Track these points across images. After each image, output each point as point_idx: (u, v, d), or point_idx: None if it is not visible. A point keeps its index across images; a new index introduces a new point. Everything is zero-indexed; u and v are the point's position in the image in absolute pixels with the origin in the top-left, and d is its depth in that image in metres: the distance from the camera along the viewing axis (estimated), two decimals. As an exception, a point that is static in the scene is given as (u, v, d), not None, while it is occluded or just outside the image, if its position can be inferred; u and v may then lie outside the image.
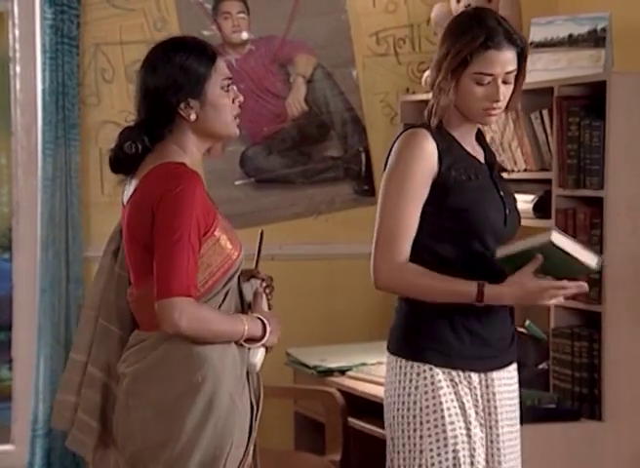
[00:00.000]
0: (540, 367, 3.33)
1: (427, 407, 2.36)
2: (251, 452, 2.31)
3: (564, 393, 3.20)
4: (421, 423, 2.36)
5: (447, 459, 2.34)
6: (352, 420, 3.51)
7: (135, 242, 2.25)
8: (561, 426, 3.05)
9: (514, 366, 2.50)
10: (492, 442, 2.41)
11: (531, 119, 3.41)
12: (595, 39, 3.39)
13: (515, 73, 2.39)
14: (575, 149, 3.19)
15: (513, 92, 2.41)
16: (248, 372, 2.30)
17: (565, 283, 2.30)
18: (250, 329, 2.26)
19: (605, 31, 3.37)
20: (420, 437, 2.36)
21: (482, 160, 2.47)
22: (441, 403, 2.35)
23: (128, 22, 4.02)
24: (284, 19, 4.14)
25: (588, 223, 3.16)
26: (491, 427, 2.41)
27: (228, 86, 2.28)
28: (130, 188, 2.28)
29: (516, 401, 2.49)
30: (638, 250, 3.11)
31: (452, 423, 2.35)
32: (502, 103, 2.38)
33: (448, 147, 2.37)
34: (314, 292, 4.19)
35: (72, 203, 3.95)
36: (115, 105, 4.02)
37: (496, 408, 2.41)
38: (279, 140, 4.17)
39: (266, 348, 2.31)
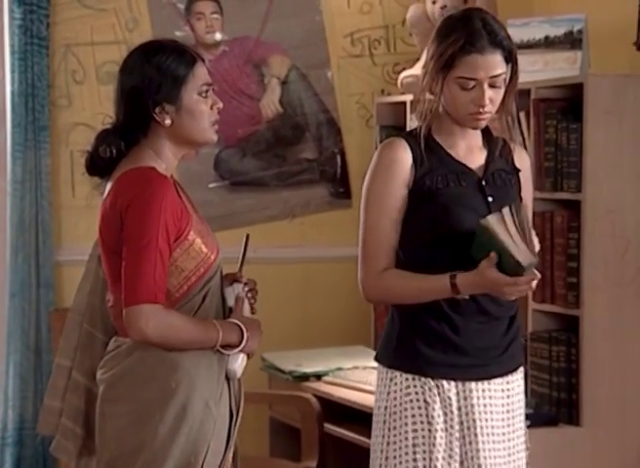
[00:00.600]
0: (518, 371, 3.30)
1: (395, 413, 2.36)
2: (230, 460, 2.29)
3: (542, 398, 3.19)
4: (389, 429, 2.37)
5: None
6: (329, 426, 3.49)
7: (107, 248, 2.23)
8: (539, 431, 3.03)
9: (511, 378, 2.41)
10: (472, 458, 2.35)
11: None
12: (571, 41, 3.39)
13: (505, 76, 2.34)
14: (552, 152, 3.18)
15: (506, 95, 2.35)
16: (228, 379, 2.26)
17: (516, 279, 2.24)
18: (224, 335, 2.22)
19: (581, 33, 3.37)
20: (387, 443, 2.37)
21: (476, 165, 2.40)
22: (406, 409, 2.34)
23: (99, 23, 4.00)
24: (258, 20, 4.12)
25: (566, 227, 3.14)
26: (470, 442, 2.34)
27: (207, 92, 2.25)
28: (105, 193, 2.27)
29: (511, 415, 2.41)
30: (616, 253, 3.10)
31: (415, 431, 2.33)
32: (491, 108, 2.34)
33: (426, 155, 2.35)
34: (289, 295, 4.17)
35: (42, 206, 3.92)
36: (86, 107, 3.99)
37: (474, 421, 2.34)
38: (253, 143, 4.15)
39: (247, 354, 2.28)
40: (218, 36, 4.09)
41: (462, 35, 2.29)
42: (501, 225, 2.21)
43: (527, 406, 2.96)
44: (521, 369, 2.45)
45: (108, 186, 2.25)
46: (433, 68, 2.31)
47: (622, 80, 3.11)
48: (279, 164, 4.17)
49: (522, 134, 3.30)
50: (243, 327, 2.25)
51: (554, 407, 3.15)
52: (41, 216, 3.90)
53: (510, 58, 2.33)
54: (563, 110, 3.18)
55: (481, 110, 2.31)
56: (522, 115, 3.33)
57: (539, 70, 3.42)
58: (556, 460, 3.08)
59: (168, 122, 2.22)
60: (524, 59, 3.46)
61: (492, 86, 2.31)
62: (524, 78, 3.35)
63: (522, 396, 2.45)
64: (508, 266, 2.21)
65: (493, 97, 2.32)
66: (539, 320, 3.24)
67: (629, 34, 3.43)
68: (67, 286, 3.92)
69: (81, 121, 3.97)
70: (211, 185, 4.10)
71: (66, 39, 3.97)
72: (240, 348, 2.24)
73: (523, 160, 2.48)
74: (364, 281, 2.37)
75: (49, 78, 3.92)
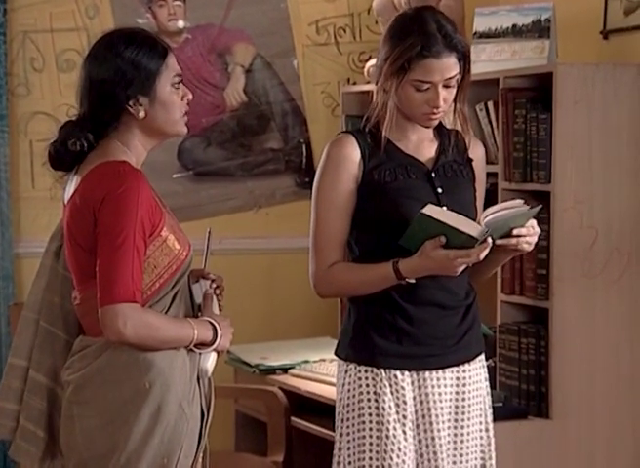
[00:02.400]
0: (487, 363, 3.28)
1: (348, 404, 2.40)
2: (200, 461, 2.26)
3: (511, 390, 3.17)
4: (342, 421, 2.41)
5: (358, 459, 2.37)
6: (295, 420, 3.46)
7: (76, 245, 2.17)
8: (509, 424, 3.02)
9: (467, 366, 2.44)
10: (427, 446, 2.39)
11: (476, 111, 3.37)
12: (539, 30, 3.36)
13: (458, 76, 2.37)
14: (521, 142, 3.16)
15: (458, 94, 2.40)
16: (198, 378, 2.23)
17: (468, 251, 2.27)
18: (199, 333, 2.19)
19: (549, 21, 3.35)
20: (340, 434, 2.41)
21: (426, 157, 2.43)
22: (360, 401, 2.38)
23: (58, 9, 3.94)
24: (221, 7, 4.08)
25: (536, 218, 3.10)
26: (425, 430, 2.39)
27: (178, 83, 2.22)
28: (71, 186, 2.20)
29: (466, 403, 2.44)
30: (586, 245, 3.09)
31: (363, 423, 2.37)
32: (444, 107, 2.38)
33: (375, 149, 2.38)
34: (254, 287, 4.15)
35: (1, 197, 3.86)
36: (46, 96, 3.94)
37: (429, 409, 2.38)
38: (218, 132, 4.11)
39: (217, 352, 2.25)
40: (180, 24, 4.05)
41: (418, 40, 2.32)
42: (441, 211, 2.27)
43: (496, 399, 2.98)
44: (481, 357, 2.48)
45: (75, 180, 2.19)
46: (388, 70, 2.35)
47: (592, 69, 3.09)
48: (244, 154, 4.14)
49: (490, 123, 3.33)
50: (217, 324, 2.21)
51: (523, 399, 3.13)
52: (0, 208, 3.83)
53: (464, 59, 2.37)
54: (532, 100, 3.15)
55: (435, 111, 2.36)
56: (490, 105, 3.32)
57: (506, 59, 3.40)
58: (526, 453, 3.07)
59: (142, 115, 2.18)
60: (492, 48, 3.47)
61: (445, 86, 2.36)
62: (492, 67, 3.40)
63: (482, 384, 2.48)
64: (457, 243, 2.26)
65: (446, 97, 2.37)
66: (507, 312, 3.22)
67: (596, 23, 3.43)
68: (27, 279, 3.85)
69: (40, 110, 3.92)
70: (174, 176, 4.07)
71: (24, 26, 3.92)
72: (214, 346, 2.21)
73: (477, 151, 2.52)
74: (314, 276, 2.41)
75: (6, 66, 3.86)
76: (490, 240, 2.28)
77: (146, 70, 2.17)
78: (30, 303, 2.27)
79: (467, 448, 2.43)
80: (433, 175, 2.42)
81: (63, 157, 2.20)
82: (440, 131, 2.47)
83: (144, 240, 2.12)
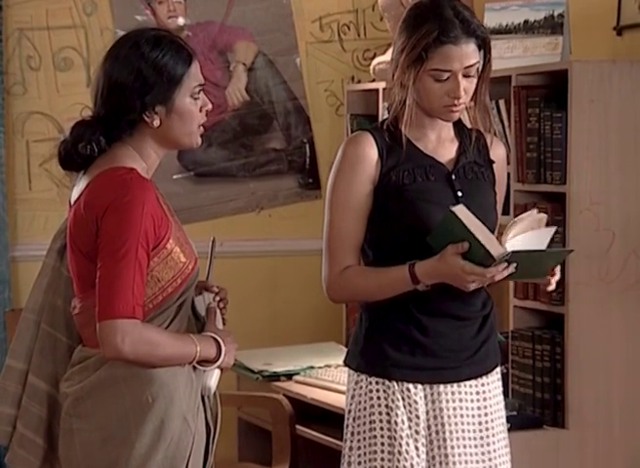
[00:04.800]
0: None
1: (359, 417, 2.33)
2: None
3: (525, 399, 3.12)
4: (352, 434, 2.34)
5: None
6: (301, 428, 3.41)
7: (78, 250, 2.11)
8: (523, 434, 2.96)
9: (486, 380, 2.36)
10: (440, 463, 2.31)
11: None
12: (552, 25, 3.31)
13: (478, 65, 2.29)
14: (535, 142, 3.10)
15: (479, 85, 2.31)
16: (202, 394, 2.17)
17: (484, 270, 2.18)
18: (202, 350, 2.12)
19: (562, 17, 3.30)
20: (350, 448, 2.35)
21: (446, 158, 2.36)
22: (371, 414, 2.31)
23: (55, 6, 3.92)
24: (222, 4, 4.06)
25: (550, 220, 2.99)
26: (439, 447, 2.30)
27: (199, 92, 2.16)
28: (78, 188, 2.15)
29: (490, 418, 2.35)
30: (602, 248, 3.03)
31: (374, 437, 2.30)
32: (465, 98, 2.29)
33: (394, 149, 2.31)
34: (257, 291, 4.11)
35: (-3, 199, 3.83)
36: (43, 95, 3.91)
37: (443, 425, 2.30)
38: (219, 132, 4.07)
39: (221, 369, 2.17)
40: (180, 21, 4.01)
41: (435, 26, 2.24)
42: (470, 216, 2.18)
43: (509, 407, 2.90)
44: (497, 370, 2.41)
45: (83, 182, 2.13)
46: (404, 61, 2.27)
47: (608, 66, 3.04)
48: (246, 154, 4.11)
49: (502, 122, 3.26)
50: (221, 341, 2.14)
51: (538, 408, 3.08)
52: (-5, 210, 3.81)
53: (484, 46, 2.29)
54: (546, 98, 3.10)
55: (456, 102, 2.27)
56: (502, 103, 3.27)
57: (518, 56, 3.35)
58: (541, 465, 3.01)
59: (157, 123, 2.12)
60: (502, 45, 3.43)
61: (466, 76, 2.27)
62: (503, 64, 3.34)
63: (501, 397, 2.41)
64: (476, 257, 2.18)
65: (467, 88, 2.29)
66: (520, 317, 3.17)
67: (609, 19, 3.37)
68: (24, 283, 3.82)
69: (37, 109, 3.89)
70: (175, 177, 4.03)
71: (20, 23, 3.88)
72: (217, 364, 2.13)
73: (498, 152, 2.44)
74: (327, 280, 2.34)
75: (2, 64, 3.83)
76: (512, 268, 2.19)
77: (169, 77, 2.10)
78: (31, 304, 2.21)
79: (496, 465, 2.35)
80: (453, 177, 2.34)
81: (73, 158, 2.14)
82: (460, 130, 2.39)
83: (147, 253, 2.06)
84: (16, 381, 2.17)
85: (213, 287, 2.24)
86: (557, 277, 2.30)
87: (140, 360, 2.05)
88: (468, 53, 2.25)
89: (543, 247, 2.26)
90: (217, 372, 2.16)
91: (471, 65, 2.26)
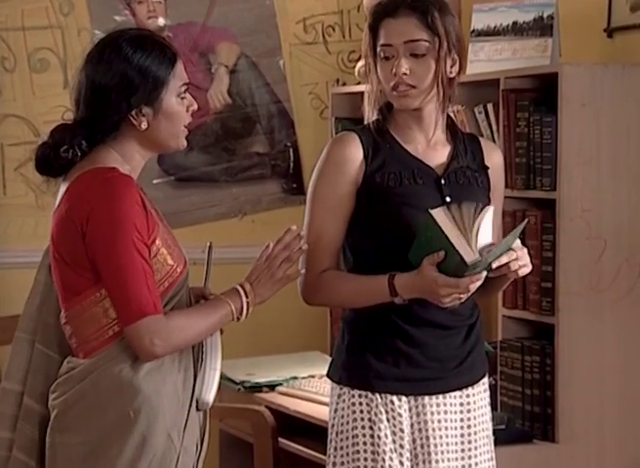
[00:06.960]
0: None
1: (342, 432, 2.29)
2: None
3: (514, 412, 3.06)
4: (335, 449, 2.30)
5: None
6: (283, 441, 3.35)
7: (60, 259, 2.07)
8: (512, 449, 2.90)
9: (472, 390, 2.31)
10: None
11: (474, 113, 3.28)
12: (541, 27, 3.26)
13: (428, 45, 2.21)
14: (524, 147, 3.05)
15: (437, 68, 2.22)
16: (198, 407, 2.12)
17: (457, 280, 2.11)
18: (233, 303, 2.11)
19: (552, 18, 3.25)
20: (333, 464, 2.31)
21: (436, 162, 2.29)
22: (354, 428, 2.26)
23: (30, 6, 3.87)
24: (204, 4, 4.04)
25: (539, 228, 3.02)
26: (424, 461, 2.25)
27: (185, 92, 2.13)
28: (59, 195, 2.10)
29: (472, 430, 2.30)
30: (594, 256, 2.99)
31: (357, 452, 2.26)
32: (414, 81, 2.22)
33: (380, 150, 2.25)
34: (239, 298, 4.03)
35: (-30, 205, 3.77)
36: (18, 97, 3.87)
37: (428, 438, 2.25)
38: (200, 135, 4.03)
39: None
40: (161, 21, 3.99)
41: (381, 5, 2.27)
42: (447, 221, 2.09)
43: (498, 421, 2.84)
44: (484, 380, 2.36)
45: (63, 187, 2.09)
46: (365, 49, 2.27)
47: (600, 69, 3.00)
48: (228, 158, 4.09)
49: (490, 127, 3.21)
50: (241, 290, 2.12)
51: (528, 422, 3.03)
52: (-31, 216, 3.79)
53: (432, 25, 2.21)
54: (536, 102, 3.05)
55: (399, 81, 2.21)
56: (490, 107, 3.22)
57: (506, 59, 3.31)
58: (531, 480, 2.97)
59: (144, 126, 2.09)
60: (490, 47, 3.38)
61: (413, 55, 2.21)
62: (491, 67, 3.30)
63: (487, 409, 2.35)
64: (450, 265, 2.10)
65: (414, 69, 2.21)
66: (509, 327, 3.13)
67: (599, 20, 3.32)
68: (-2, 292, 3.73)
69: (12, 112, 3.84)
70: (155, 181, 4.00)
71: None
72: (244, 313, 2.12)
73: (494, 157, 2.37)
74: (303, 281, 2.30)
75: None
76: (484, 274, 2.13)
77: (154, 79, 2.07)
78: (24, 323, 2.17)
79: None
80: (443, 181, 2.27)
81: (52, 162, 2.10)
82: (454, 134, 2.32)
83: (145, 243, 2.03)
84: (11, 404, 2.14)
85: (211, 295, 2.20)
86: (519, 246, 2.19)
87: (180, 347, 2.06)
88: (410, 27, 2.21)
89: (490, 228, 2.15)
90: (215, 387, 2.12)
91: (414, 41, 2.20)
